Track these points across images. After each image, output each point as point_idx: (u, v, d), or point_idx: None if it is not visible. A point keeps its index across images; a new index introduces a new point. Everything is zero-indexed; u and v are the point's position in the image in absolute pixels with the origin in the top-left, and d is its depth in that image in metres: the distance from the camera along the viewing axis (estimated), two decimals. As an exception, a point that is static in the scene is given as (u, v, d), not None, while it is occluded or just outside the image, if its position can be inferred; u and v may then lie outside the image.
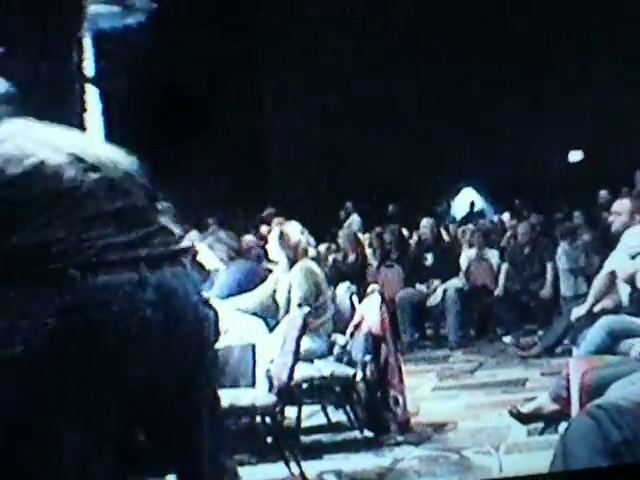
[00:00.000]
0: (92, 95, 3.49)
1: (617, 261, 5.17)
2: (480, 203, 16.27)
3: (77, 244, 2.06)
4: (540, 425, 4.65)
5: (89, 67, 3.50)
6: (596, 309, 5.41)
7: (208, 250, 6.08)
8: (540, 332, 7.92)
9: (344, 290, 5.86)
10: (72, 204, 2.11)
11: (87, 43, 3.62)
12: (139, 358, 2.07)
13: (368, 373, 5.01)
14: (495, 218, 13.60)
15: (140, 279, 2.07)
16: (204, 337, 2.24)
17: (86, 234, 2.08)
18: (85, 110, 3.39)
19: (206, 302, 2.28)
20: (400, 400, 5.11)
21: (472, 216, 14.98)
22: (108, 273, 2.04)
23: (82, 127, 3.19)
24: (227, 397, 3.40)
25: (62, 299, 1.98)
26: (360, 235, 10.36)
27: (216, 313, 2.31)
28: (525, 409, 4.70)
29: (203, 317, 2.24)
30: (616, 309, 5.19)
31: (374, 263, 9.30)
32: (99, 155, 2.25)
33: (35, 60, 3.26)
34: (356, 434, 5.01)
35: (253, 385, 4.44)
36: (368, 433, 5.00)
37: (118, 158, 2.30)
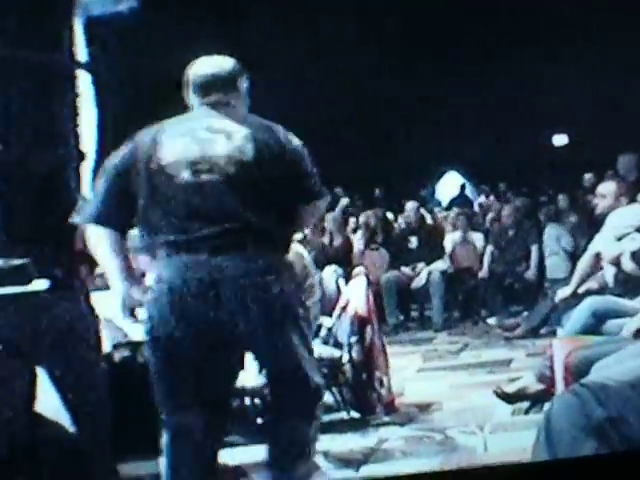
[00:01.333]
0: (85, 82, 3.49)
1: (602, 243, 5.19)
2: (466, 186, 16.32)
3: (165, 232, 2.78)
4: (525, 405, 4.70)
5: (81, 53, 3.47)
6: (581, 290, 5.43)
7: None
8: (525, 313, 7.94)
9: (330, 273, 5.87)
10: (172, 200, 2.75)
11: (79, 29, 3.59)
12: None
13: (354, 355, 5.02)
14: (480, 201, 13.66)
15: (200, 262, 2.73)
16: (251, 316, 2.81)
17: (172, 225, 2.76)
18: (77, 96, 3.39)
19: (257, 286, 2.79)
20: (385, 381, 5.13)
21: (462, 199, 15.02)
22: (181, 254, 2.75)
23: (75, 113, 3.25)
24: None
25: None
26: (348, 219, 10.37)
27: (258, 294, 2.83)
28: (510, 389, 4.73)
29: (252, 298, 2.78)
30: (601, 290, 5.21)
31: (360, 246, 9.31)
32: (220, 157, 2.80)
33: (26, 47, 3.24)
34: (343, 415, 5.04)
35: (242, 367, 4.44)
36: (354, 414, 5.03)
37: (241, 157, 2.82)
